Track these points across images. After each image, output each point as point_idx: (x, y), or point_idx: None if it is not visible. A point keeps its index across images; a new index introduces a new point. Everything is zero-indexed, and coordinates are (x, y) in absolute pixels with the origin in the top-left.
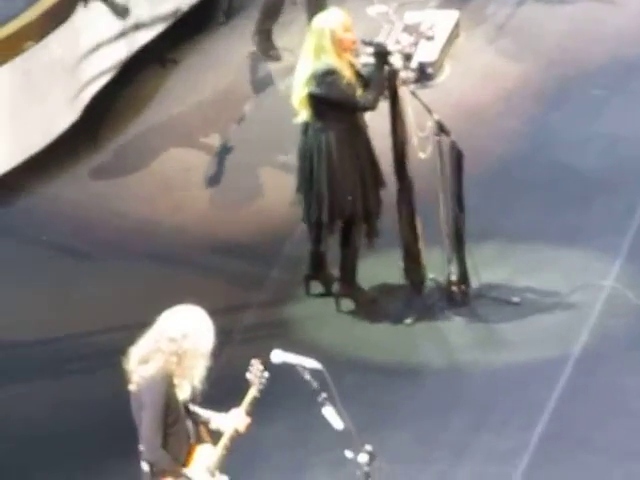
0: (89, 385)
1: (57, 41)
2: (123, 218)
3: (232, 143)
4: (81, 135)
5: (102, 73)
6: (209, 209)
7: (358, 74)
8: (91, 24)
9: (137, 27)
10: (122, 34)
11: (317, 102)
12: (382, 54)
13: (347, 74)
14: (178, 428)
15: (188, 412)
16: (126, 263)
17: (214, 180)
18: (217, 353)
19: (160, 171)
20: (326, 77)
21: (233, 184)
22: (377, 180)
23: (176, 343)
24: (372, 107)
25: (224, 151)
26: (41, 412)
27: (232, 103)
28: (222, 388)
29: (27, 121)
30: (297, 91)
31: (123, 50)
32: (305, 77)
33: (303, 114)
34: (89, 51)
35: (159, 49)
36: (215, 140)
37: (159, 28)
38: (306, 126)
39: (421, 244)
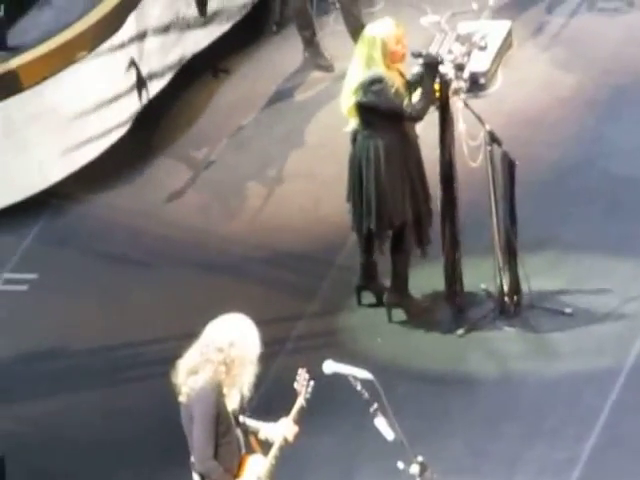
0: (140, 394)
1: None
2: (176, 227)
3: (285, 152)
4: (134, 144)
5: (157, 80)
6: (262, 218)
7: (408, 84)
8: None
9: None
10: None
11: (365, 111)
12: (432, 65)
13: (396, 83)
14: (229, 439)
15: (238, 422)
16: (178, 272)
17: (267, 189)
18: (269, 363)
19: (213, 180)
20: (374, 85)
21: (286, 193)
22: (426, 189)
23: (223, 352)
24: (419, 117)
25: (277, 160)
26: (93, 420)
27: (285, 112)
28: (274, 398)
29: (81, 131)
30: (346, 99)
31: (176, 60)
32: (354, 85)
33: (352, 123)
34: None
35: (211, 59)
36: (268, 149)
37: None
38: (355, 135)
39: (459, 255)
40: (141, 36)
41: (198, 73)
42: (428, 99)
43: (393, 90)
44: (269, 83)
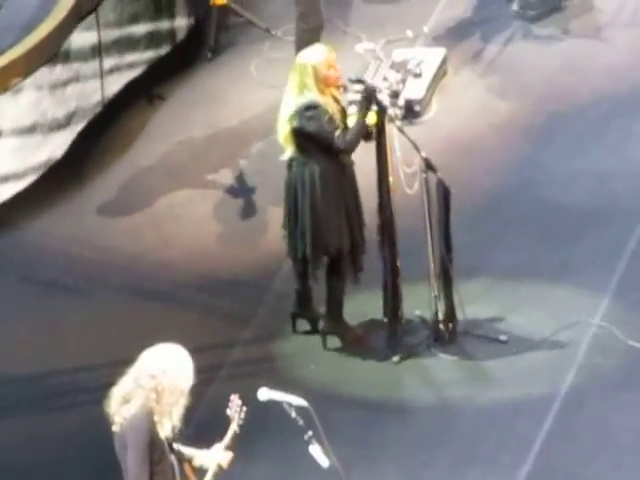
0: (73, 421)
1: (46, 72)
2: (110, 254)
3: (219, 179)
4: (68, 170)
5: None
6: (197, 245)
7: (343, 110)
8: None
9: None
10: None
11: (301, 137)
12: (368, 97)
13: (331, 109)
14: (163, 466)
15: (172, 450)
16: (112, 299)
17: (202, 216)
18: (204, 390)
19: (147, 207)
20: (307, 111)
21: (221, 220)
22: (361, 217)
23: (155, 379)
24: (347, 150)
25: (211, 187)
26: (25, 446)
27: (219, 139)
28: (209, 424)
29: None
30: (282, 127)
31: (110, 87)
32: (289, 113)
33: (289, 150)
34: (74, 86)
35: (146, 85)
36: (202, 176)
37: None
38: (291, 162)
39: (400, 281)
40: None
41: (132, 99)
42: (359, 131)
43: (327, 117)
44: (204, 109)
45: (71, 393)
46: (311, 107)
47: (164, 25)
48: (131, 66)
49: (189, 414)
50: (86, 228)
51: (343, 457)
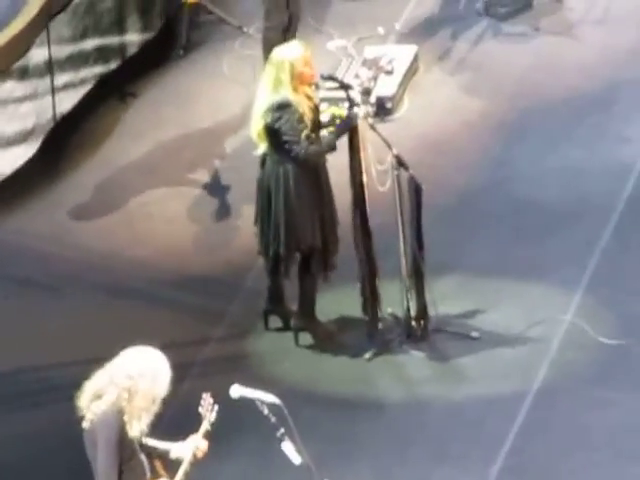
0: (46, 419)
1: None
2: (82, 251)
3: (192, 177)
4: (40, 167)
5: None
6: (169, 242)
7: (316, 107)
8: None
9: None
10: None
11: (274, 134)
12: (350, 122)
13: (303, 108)
14: (133, 464)
15: (141, 447)
16: (85, 296)
17: (174, 213)
18: (176, 387)
19: (120, 205)
20: (279, 109)
21: (194, 218)
22: (334, 215)
23: (131, 380)
24: (305, 160)
25: (183, 184)
26: None
27: (192, 137)
28: (181, 422)
29: None
30: (255, 123)
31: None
32: (262, 109)
33: (262, 146)
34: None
35: (118, 83)
36: (175, 174)
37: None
38: (264, 158)
39: (377, 278)
40: None
41: (105, 97)
42: (324, 151)
43: (297, 116)
44: (176, 107)
45: (43, 391)
46: (283, 105)
47: (114, 40)
48: (83, 82)
49: (161, 410)
50: (59, 226)
51: (315, 454)
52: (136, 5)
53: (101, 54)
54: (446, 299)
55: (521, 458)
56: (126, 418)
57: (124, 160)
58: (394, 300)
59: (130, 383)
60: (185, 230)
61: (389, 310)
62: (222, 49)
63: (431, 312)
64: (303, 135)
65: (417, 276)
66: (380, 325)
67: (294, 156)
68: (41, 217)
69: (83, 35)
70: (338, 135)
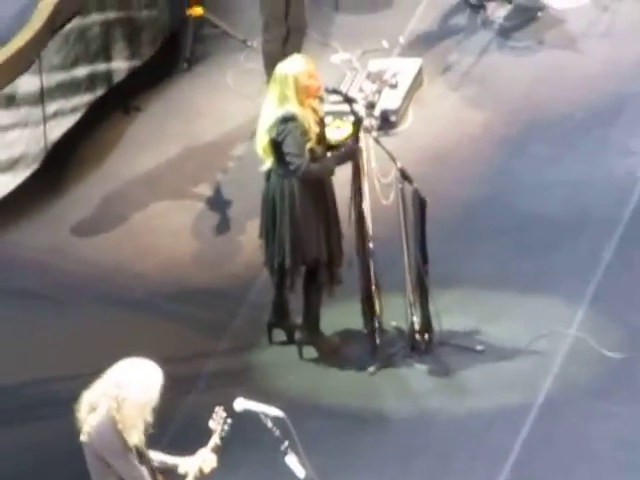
0: (46, 431)
1: (23, 86)
2: (86, 264)
3: (196, 190)
4: (44, 180)
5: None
6: (173, 255)
7: (321, 121)
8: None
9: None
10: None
11: (278, 148)
12: (352, 154)
13: (309, 122)
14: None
15: (141, 458)
16: (88, 309)
17: (178, 226)
18: (180, 401)
19: (124, 218)
20: (284, 124)
21: (197, 231)
22: (339, 228)
23: (119, 389)
24: (303, 177)
25: (188, 198)
26: None
27: (196, 150)
28: (186, 436)
29: None
30: (260, 138)
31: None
32: (268, 124)
33: (267, 162)
34: (51, 98)
35: (122, 96)
36: (179, 187)
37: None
38: (269, 172)
39: (375, 292)
40: None
41: (109, 110)
42: (324, 172)
43: (301, 130)
44: (180, 120)
45: (44, 404)
46: (288, 119)
47: (101, 67)
48: (74, 110)
49: (165, 424)
50: (62, 239)
51: (319, 467)
52: (123, 33)
53: (91, 82)
54: (450, 312)
55: (525, 471)
56: (120, 427)
57: (128, 173)
58: (398, 313)
59: (117, 392)
60: (189, 243)
61: (393, 323)
62: (226, 62)
63: (435, 325)
64: (306, 149)
65: (421, 289)
66: (378, 339)
67: (293, 169)
68: (45, 230)
69: (74, 63)
70: (338, 162)
